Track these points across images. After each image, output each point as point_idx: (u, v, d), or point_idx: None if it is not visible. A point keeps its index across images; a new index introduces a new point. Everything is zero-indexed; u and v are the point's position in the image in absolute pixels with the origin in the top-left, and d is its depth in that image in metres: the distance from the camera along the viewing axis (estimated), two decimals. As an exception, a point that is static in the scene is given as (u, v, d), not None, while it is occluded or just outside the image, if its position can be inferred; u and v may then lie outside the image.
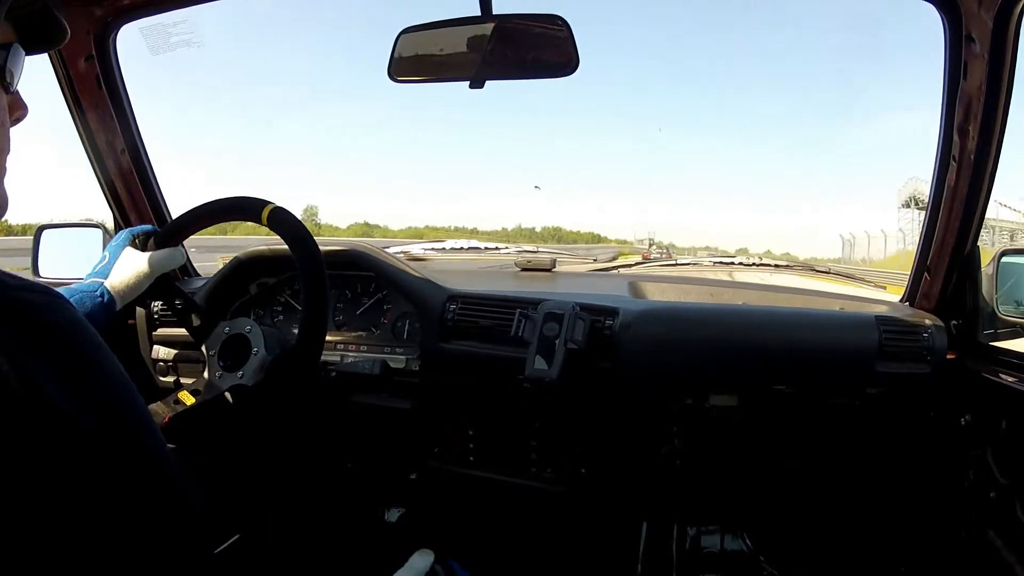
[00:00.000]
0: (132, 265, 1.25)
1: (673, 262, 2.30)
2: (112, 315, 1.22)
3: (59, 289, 1.17)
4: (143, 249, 1.29)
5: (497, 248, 2.51)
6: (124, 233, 1.30)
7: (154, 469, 0.55)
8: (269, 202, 1.19)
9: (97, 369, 0.52)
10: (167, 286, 1.33)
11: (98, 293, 1.20)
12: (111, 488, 0.50)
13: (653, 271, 2.13)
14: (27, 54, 0.64)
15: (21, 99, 0.65)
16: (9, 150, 0.64)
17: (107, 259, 1.26)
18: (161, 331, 1.69)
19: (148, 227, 1.33)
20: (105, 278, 1.23)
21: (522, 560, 1.68)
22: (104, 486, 0.49)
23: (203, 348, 1.30)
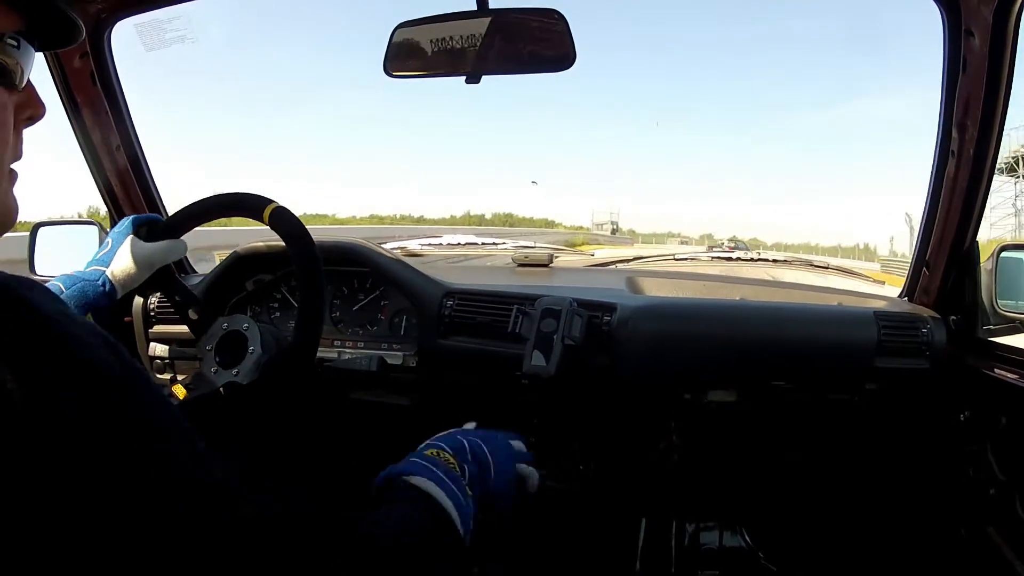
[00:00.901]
0: (134, 254, 1.23)
1: (730, 256, 2.28)
2: (113, 303, 1.21)
3: (61, 275, 1.15)
4: (145, 239, 1.26)
5: (494, 243, 2.50)
6: (127, 220, 1.27)
7: (155, 459, 0.51)
8: (272, 201, 1.18)
9: (80, 361, 0.49)
10: (167, 278, 1.32)
11: (100, 282, 1.18)
12: (118, 479, 0.47)
13: (651, 266, 2.13)
14: (37, 49, 0.60)
15: (36, 96, 0.61)
16: (20, 155, 0.60)
17: (109, 246, 1.23)
18: (158, 328, 1.68)
19: (152, 216, 1.30)
20: (106, 266, 1.21)
21: (521, 557, 1.68)
22: (109, 476, 0.47)
23: (200, 344, 1.29)
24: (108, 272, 1.20)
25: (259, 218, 1.18)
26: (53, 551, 0.44)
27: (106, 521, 0.46)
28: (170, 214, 1.29)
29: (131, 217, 1.27)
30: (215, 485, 0.55)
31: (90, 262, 1.22)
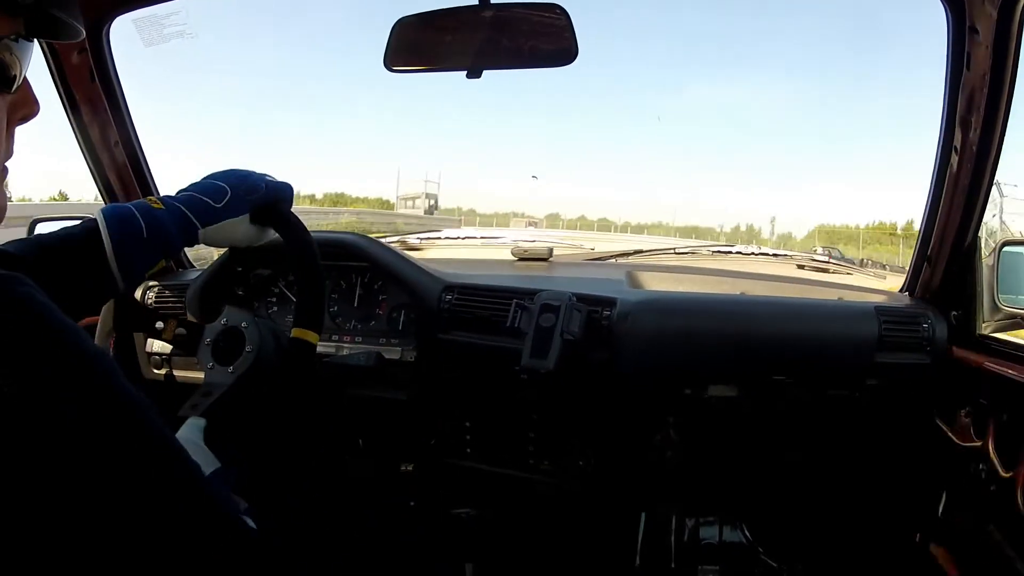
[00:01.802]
0: (240, 231, 1.11)
1: (730, 250, 2.27)
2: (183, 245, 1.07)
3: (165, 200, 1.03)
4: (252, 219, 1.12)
5: (494, 237, 2.50)
6: (259, 188, 1.10)
7: (153, 458, 0.51)
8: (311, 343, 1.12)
9: (79, 360, 0.49)
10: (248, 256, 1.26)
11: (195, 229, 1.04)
12: (105, 484, 0.47)
13: (651, 260, 2.12)
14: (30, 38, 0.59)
15: (31, 94, 0.61)
16: (11, 153, 0.60)
17: (226, 203, 1.07)
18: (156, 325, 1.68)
19: (278, 195, 1.14)
20: (203, 226, 1.05)
21: (521, 552, 1.68)
22: (96, 483, 0.46)
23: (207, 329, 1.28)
24: (204, 232, 1.06)
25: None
26: (51, 550, 0.44)
27: (105, 519, 0.46)
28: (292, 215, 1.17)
29: (264, 189, 1.12)
30: (207, 484, 0.55)
31: (199, 186, 1.07)
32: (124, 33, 1.60)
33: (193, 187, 1.08)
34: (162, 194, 1.08)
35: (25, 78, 0.59)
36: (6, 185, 0.62)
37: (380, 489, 1.77)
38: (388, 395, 1.55)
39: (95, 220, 0.97)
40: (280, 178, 1.15)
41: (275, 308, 1.69)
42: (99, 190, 1.74)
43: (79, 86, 1.58)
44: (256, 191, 1.10)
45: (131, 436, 0.49)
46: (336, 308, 1.65)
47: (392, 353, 1.54)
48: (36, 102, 0.61)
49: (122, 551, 0.47)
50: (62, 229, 1.00)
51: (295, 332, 1.11)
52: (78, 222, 1.01)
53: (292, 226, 1.15)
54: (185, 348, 1.26)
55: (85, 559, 0.46)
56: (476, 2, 1.29)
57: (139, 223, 0.98)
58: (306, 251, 1.14)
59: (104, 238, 0.95)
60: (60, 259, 0.94)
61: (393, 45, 1.34)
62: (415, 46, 1.35)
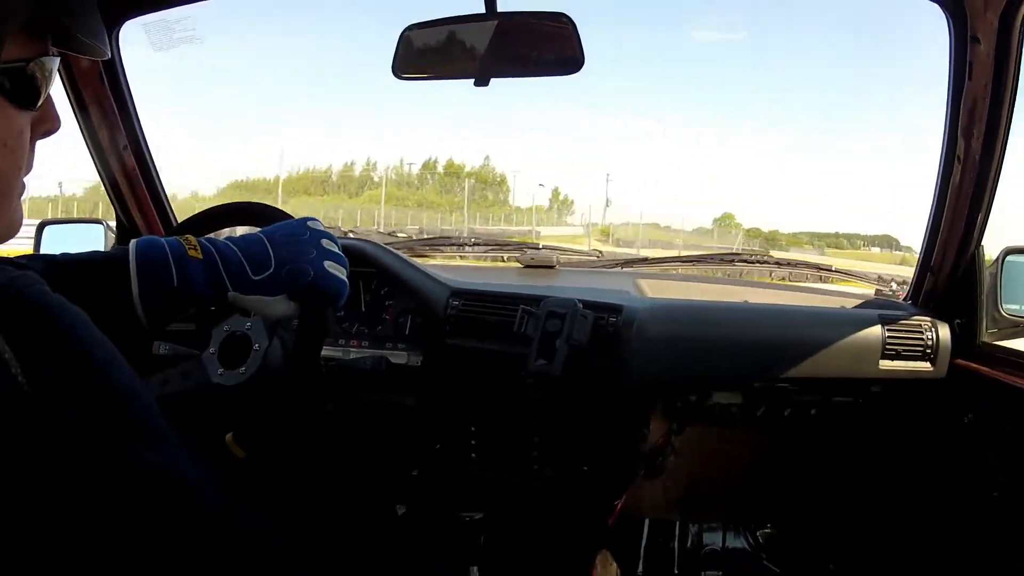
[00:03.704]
0: (276, 307, 1.01)
1: (733, 259, 2.27)
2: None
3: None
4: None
5: (502, 245, 2.51)
6: (286, 282, 0.98)
7: (154, 460, 0.51)
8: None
9: (79, 361, 0.49)
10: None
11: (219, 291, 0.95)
12: (100, 485, 0.47)
13: (656, 269, 2.13)
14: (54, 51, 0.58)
15: (53, 110, 0.61)
16: (31, 168, 0.60)
17: (265, 278, 0.97)
18: None
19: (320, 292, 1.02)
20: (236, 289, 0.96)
21: (524, 558, 1.68)
22: (92, 482, 0.46)
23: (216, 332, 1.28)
24: (233, 296, 0.97)
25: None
26: (46, 548, 0.44)
27: (102, 519, 0.46)
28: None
29: (310, 279, 0.99)
30: (208, 486, 0.55)
31: (246, 244, 0.97)
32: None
33: (241, 242, 0.98)
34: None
35: (48, 94, 0.60)
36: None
37: (385, 493, 1.78)
38: (394, 400, 1.56)
39: (125, 252, 0.88)
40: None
41: None
42: (107, 194, 1.74)
43: (88, 89, 1.59)
44: (301, 279, 0.97)
45: (130, 439, 0.50)
46: (343, 313, 1.66)
47: (398, 358, 1.55)
48: (57, 118, 0.62)
49: (120, 552, 0.47)
50: (87, 253, 0.92)
51: (228, 438, 1.05)
52: (90, 225, 0.99)
53: (312, 334, 1.10)
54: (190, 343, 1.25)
55: (84, 560, 0.46)
56: (483, 10, 1.30)
57: (171, 273, 0.90)
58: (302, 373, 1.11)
59: (133, 282, 0.88)
60: (81, 285, 0.83)
61: (401, 52, 1.35)
62: (423, 54, 1.36)
